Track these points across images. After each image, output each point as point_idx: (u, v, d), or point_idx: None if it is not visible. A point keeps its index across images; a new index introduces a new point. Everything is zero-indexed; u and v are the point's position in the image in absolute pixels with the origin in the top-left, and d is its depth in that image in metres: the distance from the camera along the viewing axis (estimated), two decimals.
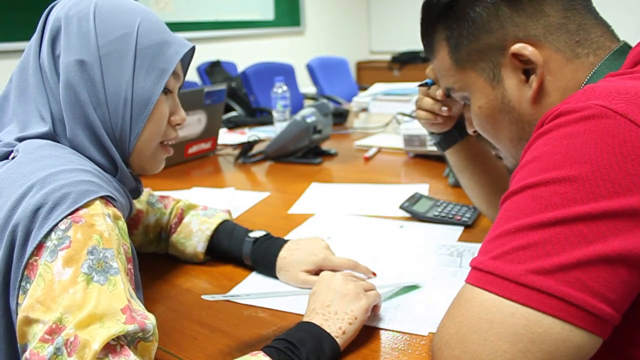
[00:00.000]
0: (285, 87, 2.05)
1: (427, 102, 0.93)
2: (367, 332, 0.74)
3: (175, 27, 2.93)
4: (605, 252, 0.47)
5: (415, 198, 1.20)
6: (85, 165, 0.67)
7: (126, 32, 0.73)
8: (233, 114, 2.95)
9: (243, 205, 1.33)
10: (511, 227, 0.51)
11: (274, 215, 1.27)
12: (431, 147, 1.63)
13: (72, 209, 0.59)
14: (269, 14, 4.74)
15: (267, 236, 0.97)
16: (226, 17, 4.34)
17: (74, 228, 0.58)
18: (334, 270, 0.82)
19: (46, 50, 0.72)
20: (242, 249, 0.96)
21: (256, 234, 0.97)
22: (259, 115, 3.15)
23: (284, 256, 0.92)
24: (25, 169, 0.64)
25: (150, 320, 0.58)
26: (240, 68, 3.70)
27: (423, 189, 1.37)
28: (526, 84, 0.66)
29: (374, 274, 0.91)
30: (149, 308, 0.63)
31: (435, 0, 0.72)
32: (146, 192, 1.04)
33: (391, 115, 2.08)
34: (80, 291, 0.55)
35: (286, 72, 3.68)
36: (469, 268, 0.54)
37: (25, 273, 0.58)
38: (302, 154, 1.73)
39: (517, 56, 0.65)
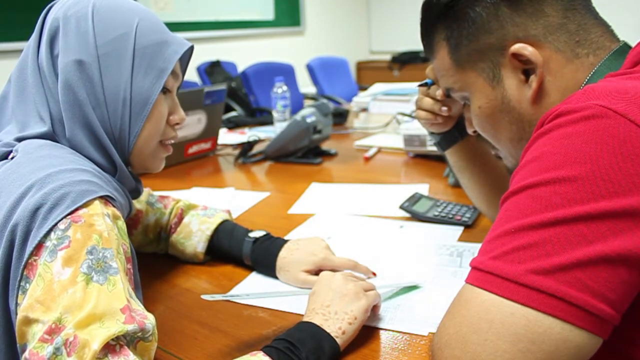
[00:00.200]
0: (285, 87, 2.05)
1: (427, 102, 0.93)
2: (367, 332, 0.74)
3: (175, 27, 2.93)
4: (605, 252, 0.47)
5: (415, 198, 1.20)
6: (85, 165, 0.67)
7: (124, 31, 0.73)
8: (233, 114, 2.95)
9: (243, 205, 1.33)
10: (511, 227, 0.51)
11: (274, 215, 1.27)
12: (431, 147, 1.63)
13: (72, 208, 0.59)
14: (268, 14, 4.74)
15: (267, 236, 0.97)
16: (226, 17, 4.34)
17: (73, 228, 0.58)
18: (334, 270, 0.82)
19: (45, 50, 0.72)
20: (242, 249, 0.96)
21: (256, 234, 0.97)
22: (259, 115, 3.15)
23: (284, 256, 0.92)
24: (24, 169, 0.64)
25: (149, 320, 0.58)
26: (240, 68, 3.70)
27: (423, 189, 1.36)
28: (526, 84, 0.66)
29: (374, 274, 0.91)
30: (148, 308, 0.63)
31: (435, 0, 0.72)
32: (146, 192, 1.04)
33: (391, 115, 2.08)
34: (80, 291, 0.55)
35: (286, 72, 3.68)
36: (469, 268, 0.54)
37: (25, 273, 0.58)
38: (302, 154, 1.73)
39: (516, 56, 0.65)
